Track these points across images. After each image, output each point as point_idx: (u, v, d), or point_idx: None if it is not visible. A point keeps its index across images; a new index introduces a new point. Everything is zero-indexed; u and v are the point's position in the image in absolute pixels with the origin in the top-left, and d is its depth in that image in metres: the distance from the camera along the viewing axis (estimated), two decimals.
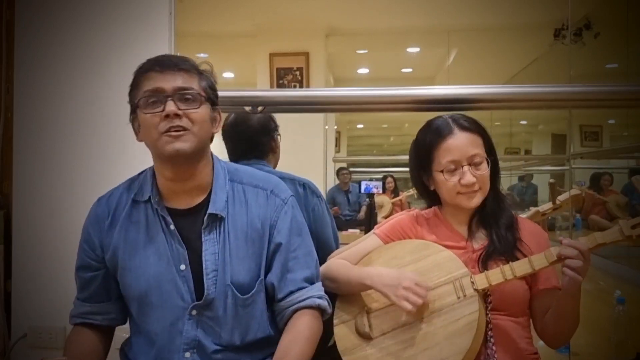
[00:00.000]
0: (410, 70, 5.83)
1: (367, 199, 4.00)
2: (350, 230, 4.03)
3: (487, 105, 1.53)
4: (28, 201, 1.82)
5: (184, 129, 1.07)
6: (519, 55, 4.83)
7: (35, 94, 1.82)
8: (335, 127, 5.81)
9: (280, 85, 4.31)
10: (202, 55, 4.56)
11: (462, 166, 1.23)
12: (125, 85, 1.79)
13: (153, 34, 1.80)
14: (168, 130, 1.07)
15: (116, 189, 1.23)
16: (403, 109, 1.75)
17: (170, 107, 1.07)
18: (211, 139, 1.19)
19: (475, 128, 1.27)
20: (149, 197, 1.16)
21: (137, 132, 1.15)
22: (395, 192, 5.07)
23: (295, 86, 4.33)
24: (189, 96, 1.09)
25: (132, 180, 1.23)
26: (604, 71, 3.88)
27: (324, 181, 4.49)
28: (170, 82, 1.09)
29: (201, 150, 1.13)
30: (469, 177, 1.23)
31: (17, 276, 1.84)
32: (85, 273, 1.20)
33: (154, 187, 1.17)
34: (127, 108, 1.78)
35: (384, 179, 4.92)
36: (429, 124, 1.31)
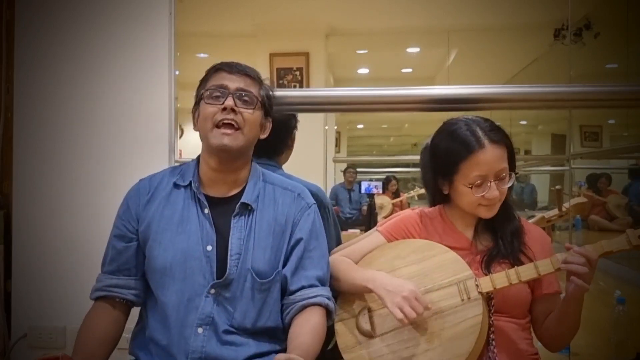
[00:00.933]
0: (410, 70, 5.83)
1: (368, 199, 4.00)
2: (350, 230, 4.04)
3: (487, 106, 1.54)
4: (28, 201, 1.82)
5: (238, 126, 1.21)
6: (519, 55, 4.82)
7: (35, 94, 1.81)
8: (335, 127, 5.80)
9: (280, 85, 4.31)
10: (202, 55, 4.56)
11: (490, 182, 1.21)
12: (126, 85, 1.80)
13: (153, 34, 1.80)
14: (222, 122, 1.20)
15: (158, 173, 1.35)
16: (403, 109, 1.75)
17: (229, 101, 1.21)
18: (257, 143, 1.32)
19: (503, 140, 1.24)
20: (190, 182, 1.27)
21: (195, 122, 1.29)
22: (396, 193, 5.06)
23: (295, 86, 4.32)
24: (246, 98, 1.24)
25: (174, 168, 1.35)
26: (604, 71, 3.88)
27: (324, 181, 4.48)
28: (235, 82, 1.24)
29: (246, 150, 1.27)
30: (494, 192, 1.21)
31: (17, 276, 1.84)
32: (119, 242, 1.28)
33: (195, 174, 1.28)
34: (127, 108, 1.80)
35: (386, 180, 4.92)
36: (454, 131, 1.26)
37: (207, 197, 1.26)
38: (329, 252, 1.49)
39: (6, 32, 1.92)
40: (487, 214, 1.25)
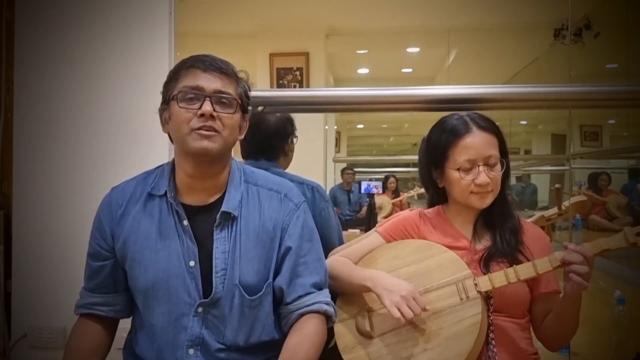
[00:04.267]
0: (410, 70, 5.84)
1: (367, 200, 4.00)
2: (350, 230, 4.04)
3: (487, 105, 1.54)
4: (28, 201, 1.82)
5: (215, 131, 1.10)
6: (519, 55, 4.83)
7: (35, 94, 1.81)
8: (335, 127, 5.82)
9: (280, 85, 4.31)
10: None
11: (478, 166, 1.23)
12: (125, 85, 1.81)
13: (153, 34, 1.80)
14: (200, 129, 1.09)
15: (131, 180, 1.24)
16: (403, 109, 1.75)
17: (207, 107, 1.09)
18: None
19: (492, 128, 1.26)
20: (165, 191, 1.18)
21: (164, 123, 1.17)
22: (396, 193, 5.07)
23: (295, 86, 4.33)
24: (225, 100, 1.12)
25: (147, 174, 1.24)
26: (604, 71, 3.89)
27: (324, 181, 4.49)
28: (211, 83, 1.12)
29: (225, 154, 1.16)
30: (483, 177, 1.22)
31: (17, 276, 1.84)
32: (94, 261, 1.21)
33: (171, 181, 1.18)
34: (127, 108, 1.80)
35: (385, 179, 4.93)
36: (445, 121, 1.30)
37: (185, 206, 1.17)
38: (335, 247, 1.48)
39: (6, 32, 1.92)
40: (480, 203, 1.25)
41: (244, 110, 1.19)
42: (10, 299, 1.86)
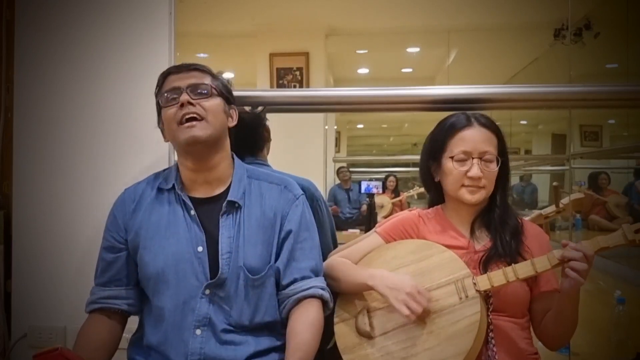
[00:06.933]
0: (410, 70, 5.84)
1: (367, 199, 4.01)
2: (350, 230, 4.04)
3: (487, 106, 1.54)
4: (28, 201, 1.82)
5: (199, 116, 1.21)
6: (519, 55, 4.83)
7: (35, 94, 1.81)
8: (335, 127, 5.82)
9: (280, 85, 4.31)
10: (202, 55, 4.56)
11: (473, 158, 1.24)
12: (126, 85, 1.81)
13: (153, 34, 1.80)
14: (184, 119, 1.20)
15: (142, 181, 1.35)
16: (403, 109, 1.76)
17: (184, 97, 1.21)
18: (230, 136, 1.31)
19: (492, 126, 1.29)
20: (173, 184, 1.28)
21: (164, 134, 1.29)
22: (395, 192, 5.07)
23: (295, 86, 4.33)
24: (200, 89, 1.24)
25: (157, 174, 1.35)
26: (604, 71, 3.89)
27: (324, 181, 4.49)
28: (185, 80, 1.24)
29: (217, 141, 1.25)
30: (476, 170, 1.24)
31: (17, 276, 1.83)
32: (108, 254, 1.29)
33: (178, 177, 1.29)
34: (127, 108, 1.80)
35: (385, 179, 4.92)
36: (447, 118, 1.33)
37: (191, 198, 1.26)
38: (327, 248, 1.49)
39: (6, 32, 1.92)
40: (470, 197, 1.26)
41: (227, 100, 1.29)
42: (10, 299, 1.86)
